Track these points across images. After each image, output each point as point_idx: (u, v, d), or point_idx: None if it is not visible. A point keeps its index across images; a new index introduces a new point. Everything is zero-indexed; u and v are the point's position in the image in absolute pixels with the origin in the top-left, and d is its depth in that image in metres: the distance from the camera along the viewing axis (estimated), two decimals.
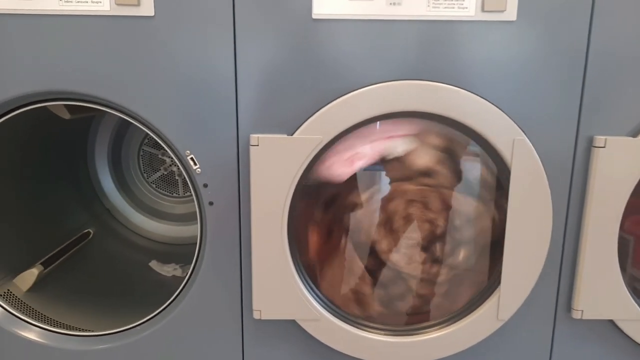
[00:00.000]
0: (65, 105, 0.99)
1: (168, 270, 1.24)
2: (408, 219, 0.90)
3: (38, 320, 0.94)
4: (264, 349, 0.93)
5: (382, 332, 0.91)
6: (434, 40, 0.80)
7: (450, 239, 0.90)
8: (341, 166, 0.85)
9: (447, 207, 0.88)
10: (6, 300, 0.94)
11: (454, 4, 0.79)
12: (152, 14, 0.79)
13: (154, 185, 1.48)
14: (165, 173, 1.48)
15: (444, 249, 0.90)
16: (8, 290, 0.98)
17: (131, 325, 0.93)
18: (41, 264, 1.06)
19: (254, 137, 0.81)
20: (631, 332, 0.91)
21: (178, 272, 1.23)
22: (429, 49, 0.80)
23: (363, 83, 0.81)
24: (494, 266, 0.90)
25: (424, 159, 0.85)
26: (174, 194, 1.49)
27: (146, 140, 1.45)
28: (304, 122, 0.82)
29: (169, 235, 1.43)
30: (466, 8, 0.79)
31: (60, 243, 1.18)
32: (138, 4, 0.78)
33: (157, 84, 0.81)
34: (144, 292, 1.14)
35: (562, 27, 0.80)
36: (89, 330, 0.95)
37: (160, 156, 1.46)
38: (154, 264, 1.27)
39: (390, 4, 0.79)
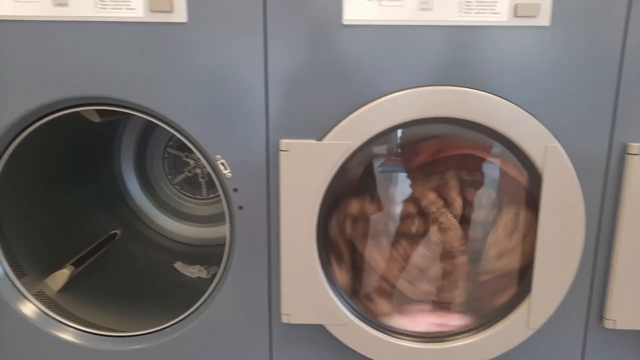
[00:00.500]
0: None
1: (193, 271, 1.26)
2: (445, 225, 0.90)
3: (71, 321, 0.96)
4: (292, 352, 0.93)
5: (411, 339, 0.90)
6: (465, 45, 0.79)
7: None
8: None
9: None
10: (40, 300, 0.96)
11: (485, 10, 0.78)
12: (185, 20, 0.80)
13: (178, 187, 1.50)
14: (189, 175, 1.49)
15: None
16: (41, 290, 1.00)
17: (163, 326, 0.94)
18: (71, 264, 1.08)
19: (284, 143, 0.81)
20: None
21: (203, 274, 1.25)
22: (459, 54, 0.80)
23: (393, 89, 0.81)
24: (524, 273, 0.89)
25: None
26: (198, 196, 1.50)
27: (170, 142, 1.47)
28: (334, 127, 0.82)
29: (193, 237, 1.45)
30: (498, 13, 0.78)
31: (88, 244, 1.20)
32: (171, 11, 0.79)
33: (189, 89, 0.82)
34: (170, 293, 1.15)
35: (596, 32, 0.79)
36: (121, 331, 0.96)
37: (184, 158, 1.48)
38: (178, 265, 1.28)
39: (422, 9, 0.78)
